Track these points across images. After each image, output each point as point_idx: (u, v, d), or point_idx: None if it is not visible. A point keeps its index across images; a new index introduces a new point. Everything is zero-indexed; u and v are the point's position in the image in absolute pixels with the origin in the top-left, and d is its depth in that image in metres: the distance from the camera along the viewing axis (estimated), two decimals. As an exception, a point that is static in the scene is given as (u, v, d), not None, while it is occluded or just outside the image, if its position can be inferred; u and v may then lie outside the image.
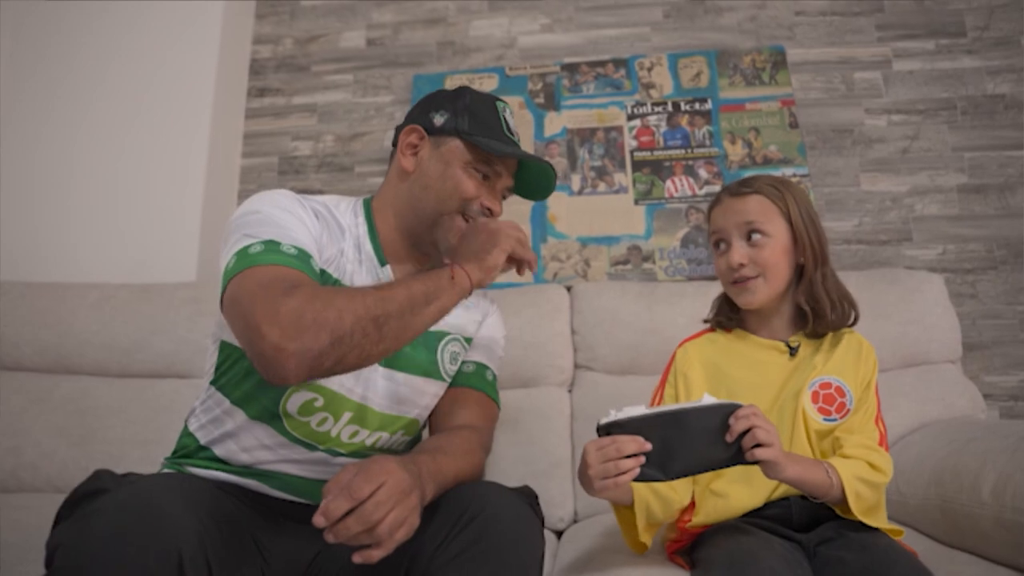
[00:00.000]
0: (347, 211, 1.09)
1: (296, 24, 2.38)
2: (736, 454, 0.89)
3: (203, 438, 1.03)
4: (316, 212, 1.02)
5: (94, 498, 0.77)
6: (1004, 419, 1.83)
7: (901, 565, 0.90)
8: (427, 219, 1.07)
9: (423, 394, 1.10)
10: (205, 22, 2.18)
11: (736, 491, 1.05)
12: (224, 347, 1.04)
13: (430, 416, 1.15)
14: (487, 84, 2.18)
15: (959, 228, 1.96)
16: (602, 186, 2.06)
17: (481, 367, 1.16)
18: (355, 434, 1.03)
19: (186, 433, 1.07)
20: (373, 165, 2.22)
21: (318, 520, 0.73)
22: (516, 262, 1.01)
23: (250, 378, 1.00)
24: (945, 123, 2.04)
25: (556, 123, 2.12)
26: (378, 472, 0.76)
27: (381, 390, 1.05)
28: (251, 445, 1.00)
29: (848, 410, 1.07)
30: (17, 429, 1.63)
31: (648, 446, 0.86)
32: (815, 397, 1.07)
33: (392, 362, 1.05)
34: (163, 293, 1.79)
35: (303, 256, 0.91)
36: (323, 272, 0.98)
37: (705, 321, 1.23)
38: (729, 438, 0.88)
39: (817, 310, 1.10)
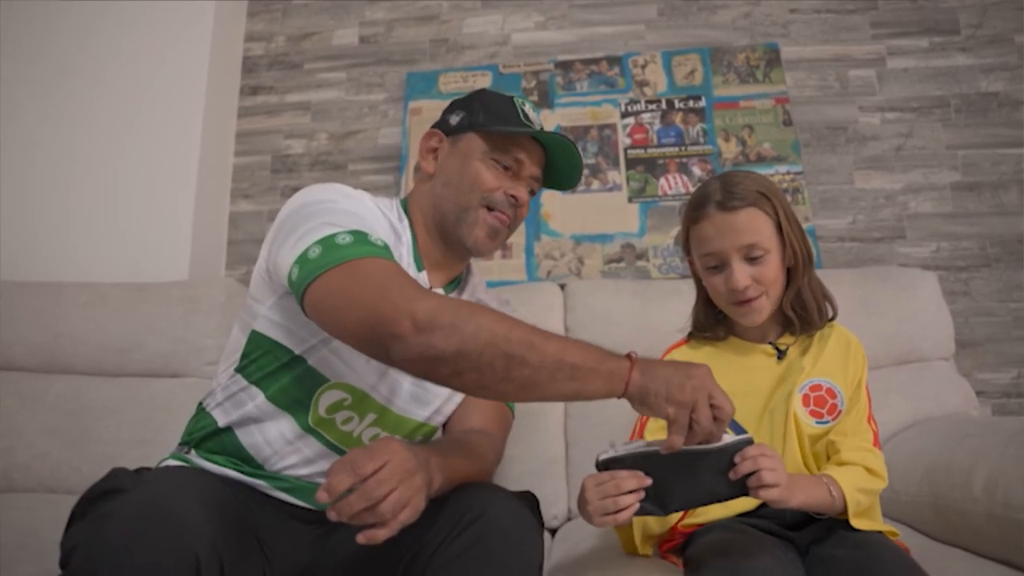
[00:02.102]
0: (391, 211, 1.08)
1: (288, 21, 2.37)
2: (739, 488, 0.87)
3: (223, 419, 1.01)
4: (381, 209, 1.03)
5: (110, 497, 0.77)
6: (996, 416, 1.84)
7: (893, 561, 0.91)
8: (452, 216, 1.06)
9: (445, 402, 1.10)
10: (197, 20, 2.17)
11: None
12: (255, 337, 1.02)
13: (452, 418, 1.15)
14: (481, 82, 2.18)
15: (953, 226, 1.97)
16: (596, 184, 2.05)
17: None
18: (375, 436, 1.03)
19: (202, 414, 1.05)
20: (367, 163, 2.21)
21: (321, 496, 0.72)
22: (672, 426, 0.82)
23: (285, 373, 0.99)
24: (939, 121, 2.04)
25: (550, 121, 2.12)
26: (383, 451, 0.76)
27: (405, 393, 1.05)
28: (273, 437, 0.99)
29: (840, 411, 1.06)
30: (10, 430, 1.62)
31: (648, 481, 0.85)
32: (806, 400, 1.06)
33: None
34: (157, 292, 1.78)
35: (388, 250, 0.89)
36: None
37: (689, 336, 1.21)
38: (733, 477, 0.86)
39: (805, 316, 1.09)
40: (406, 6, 2.33)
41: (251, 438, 1.00)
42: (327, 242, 0.86)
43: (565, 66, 2.18)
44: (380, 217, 1.01)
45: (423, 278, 1.06)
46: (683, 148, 2.06)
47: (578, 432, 1.59)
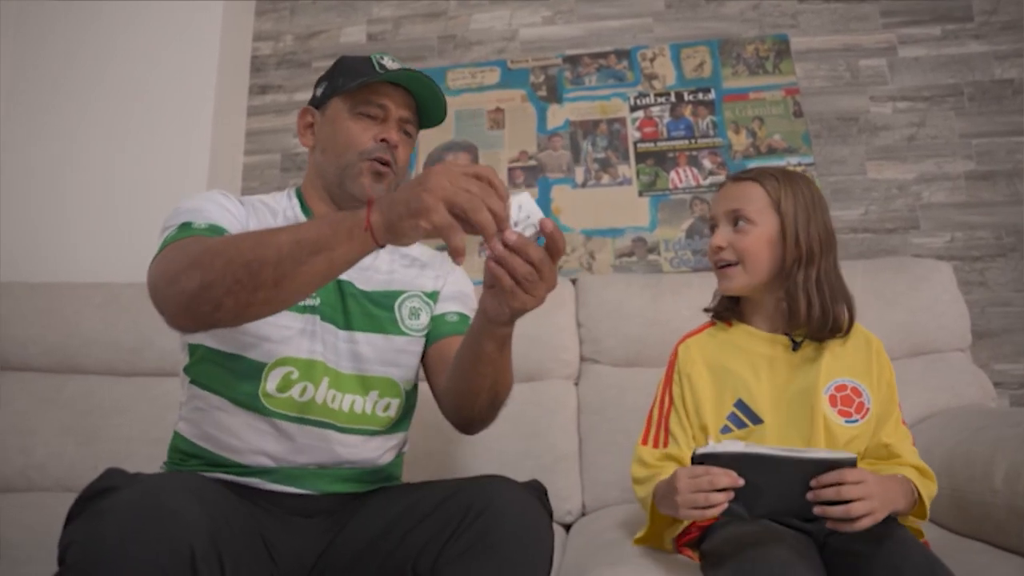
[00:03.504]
0: (282, 198, 1.16)
1: (296, 20, 2.38)
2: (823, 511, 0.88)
3: (199, 440, 1.03)
4: (242, 201, 1.07)
5: (105, 496, 0.77)
6: (1015, 407, 1.81)
7: (913, 555, 0.90)
8: (335, 178, 1.10)
9: (386, 350, 1.09)
10: (205, 20, 2.17)
11: None
12: (191, 348, 1.06)
13: (430, 374, 1.15)
14: (489, 77, 2.17)
15: (967, 215, 1.94)
16: (606, 178, 2.05)
17: (463, 316, 1.17)
18: (335, 398, 1.04)
19: (178, 438, 1.07)
20: (376, 161, 2.21)
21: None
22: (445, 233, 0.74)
23: (226, 372, 1.02)
24: (952, 109, 2.01)
25: (559, 116, 2.11)
26: None
27: (344, 352, 1.06)
28: (248, 438, 1.00)
29: (867, 410, 1.06)
30: (25, 429, 1.64)
31: (740, 482, 0.85)
32: (833, 401, 1.06)
33: (348, 323, 1.07)
34: (168, 292, 1.79)
35: (215, 228, 0.95)
36: None
37: (706, 310, 1.21)
38: (812, 498, 0.86)
39: (793, 309, 1.07)
40: (413, 3, 2.32)
41: (225, 449, 1.01)
42: (163, 243, 0.95)
43: (573, 60, 2.17)
44: (234, 207, 1.04)
45: None
46: (693, 141, 2.05)
47: (591, 427, 1.59)
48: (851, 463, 0.86)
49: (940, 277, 1.63)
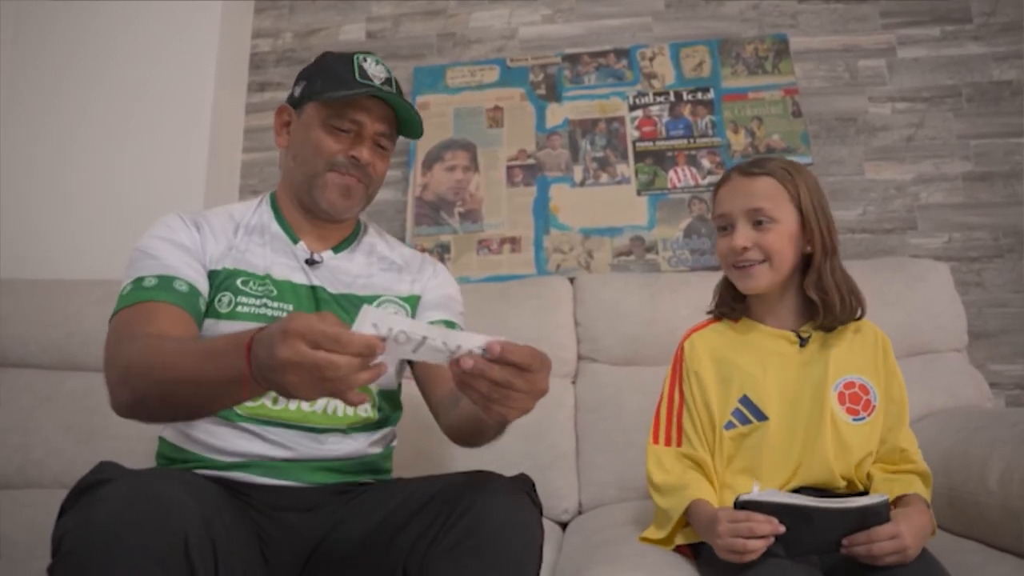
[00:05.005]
0: (249, 206, 1.16)
1: (295, 18, 2.38)
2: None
3: (184, 444, 1.04)
4: (197, 225, 1.07)
5: (98, 488, 0.77)
6: (1010, 408, 1.82)
7: (907, 556, 0.90)
8: (304, 186, 1.10)
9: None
10: (204, 18, 2.17)
11: (745, 483, 1.04)
12: None
13: (422, 386, 1.14)
14: (488, 76, 2.17)
15: (965, 216, 1.95)
16: (604, 177, 2.05)
17: (449, 324, 1.16)
18: (313, 402, 1.03)
19: (164, 445, 1.07)
20: (375, 159, 2.21)
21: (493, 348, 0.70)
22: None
23: None
24: (950, 110, 2.02)
25: (558, 114, 2.11)
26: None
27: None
28: (231, 441, 1.01)
29: (874, 407, 1.07)
30: (25, 426, 1.64)
31: (781, 529, 0.88)
32: (841, 398, 1.06)
33: None
34: (167, 289, 1.79)
35: (164, 282, 0.98)
36: (219, 271, 1.05)
37: (708, 313, 1.21)
38: (844, 551, 0.90)
39: (827, 302, 1.06)
40: (413, 1, 2.32)
41: (210, 450, 1.02)
42: (120, 297, 0.99)
43: (572, 59, 2.17)
44: (188, 236, 1.05)
45: (301, 247, 1.12)
46: (692, 140, 2.05)
47: (589, 426, 1.59)
48: (884, 506, 0.90)
49: (937, 277, 1.64)
